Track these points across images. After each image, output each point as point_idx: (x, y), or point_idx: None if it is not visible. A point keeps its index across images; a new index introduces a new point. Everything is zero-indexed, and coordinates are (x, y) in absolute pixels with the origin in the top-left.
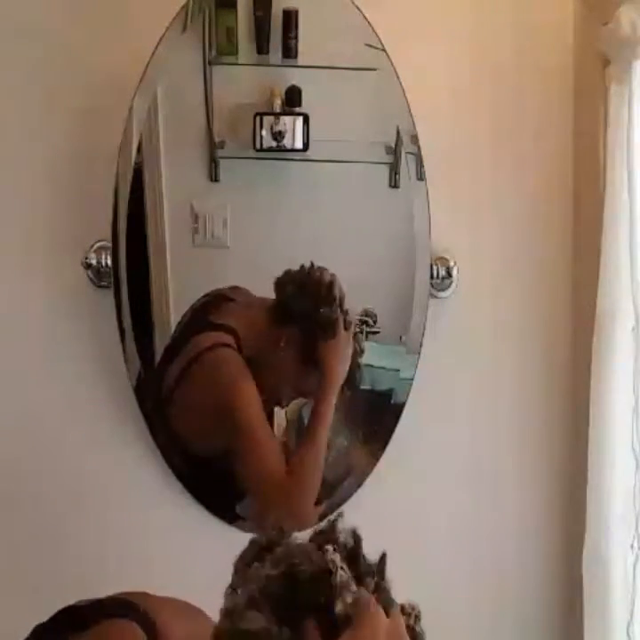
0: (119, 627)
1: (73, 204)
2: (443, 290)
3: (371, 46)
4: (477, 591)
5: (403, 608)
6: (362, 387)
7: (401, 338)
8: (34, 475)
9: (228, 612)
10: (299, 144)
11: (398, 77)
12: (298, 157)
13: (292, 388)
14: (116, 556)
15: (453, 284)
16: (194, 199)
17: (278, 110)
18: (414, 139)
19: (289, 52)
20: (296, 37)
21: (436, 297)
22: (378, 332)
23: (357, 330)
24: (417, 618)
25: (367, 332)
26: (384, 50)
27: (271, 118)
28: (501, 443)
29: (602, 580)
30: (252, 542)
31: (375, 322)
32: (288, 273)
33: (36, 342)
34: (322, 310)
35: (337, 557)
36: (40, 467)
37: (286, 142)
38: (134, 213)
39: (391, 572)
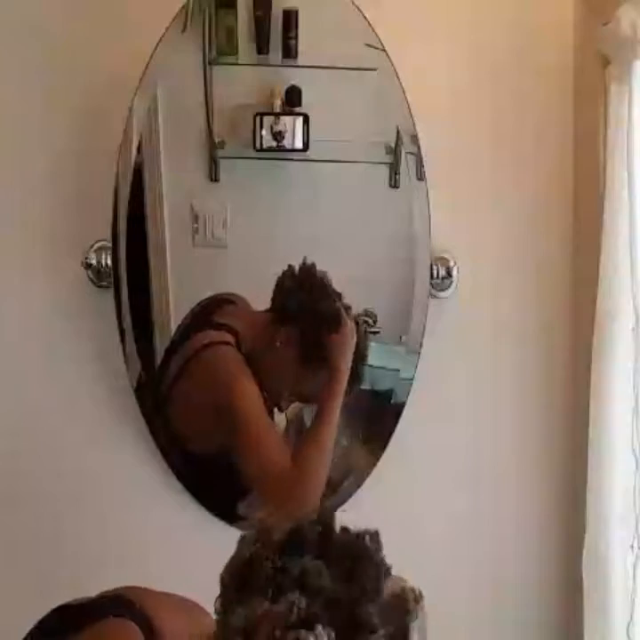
0: (116, 625)
1: (73, 204)
2: (443, 290)
3: (371, 46)
4: (477, 591)
5: (403, 590)
6: (362, 387)
7: (401, 338)
8: (34, 474)
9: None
10: (299, 144)
11: (398, 77)
12: (298, 157)
13: (290, 391)
14: (116, 556)
15: (453, 284)
16: (194, 199)
17: (278, 110)
18: (414, 139)
19: (289, 51)
20: (296, 37)
21: (436, 297)
22: (378, 332)
23: (361, 322)
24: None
25: (367, 332)
26: (384, 50)
27: (271, 118)
28: (501, 442)
29: (602, 580)
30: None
31: (375, 322)
32: (284, 273)
33: (36, 342)
34: (322, 302)
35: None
36: (40, 466)
37: (286, 142)
38: (134, 213)
39: (392, 571)
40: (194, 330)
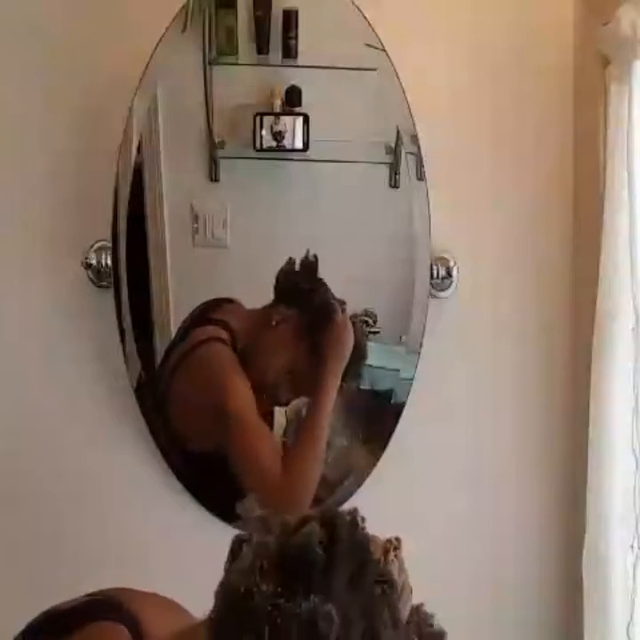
0: (105, 629)
1: (73, 204)
2: (443, 290)
3: (371, 46)
4: (477, 591)
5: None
6: (362, 387)
7: (401, 338)
8: (34, 474)
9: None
10: (299, 144)
11: (398, 77)
12: (298, 157)
13: (288, 370)
14: (116, 556)
15: (453, 284)
16: (194, 199)
17: (278, 110)
18: (414, 139)
19: (289, 51)
20: (296, 37)
21: (436, 297)
22: (378, 332)
23: (360, 321)
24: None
25: (367, 332)
26: (384, 50)
27: (271, 118)
28: (501, 442)
29: (602, 580)
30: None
31: (375, 322)
32: (286, 263)
33: (36, 342)
34: (317, 293)
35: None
36: (40, 466)
37: (286, 142)
38: (134, 213)
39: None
40: (192, 327)
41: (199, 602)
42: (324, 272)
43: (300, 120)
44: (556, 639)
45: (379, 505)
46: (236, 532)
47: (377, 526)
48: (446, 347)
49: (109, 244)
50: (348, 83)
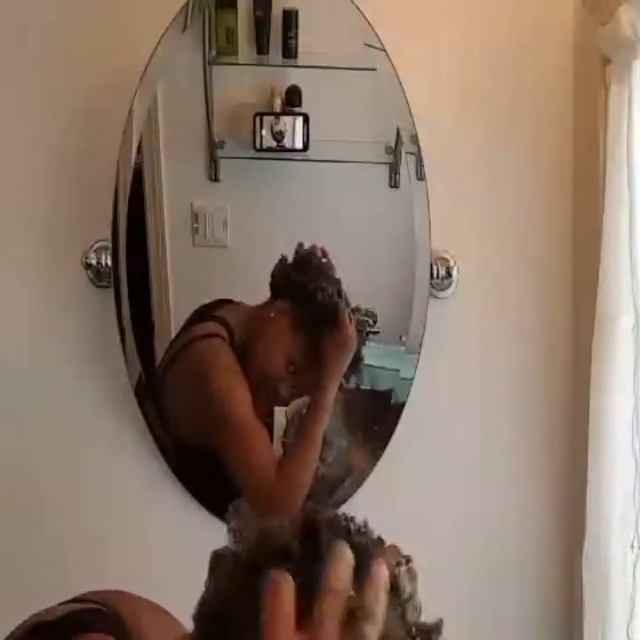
0: None
1: (73, 204)
2: (443, 290)
3: (371, 46)
4: (477, 591)
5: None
6: (362, 387)
7: (401, 338)
8: (33, 474)
9: None
10: (299, 144)
11: (398, 77)
12: (298, 157)
13: (287, 361)
14: (116, 556)
15: (453, 284)
16: (194, 199)
17: (278, 110)
18: (414, 139)
19: (289, 52)
20: (296, 37)
21: (436, 297)
22: (378, 332)
23: (358, 319)
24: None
25: (367, 332)
26: (384, 50)
27: (271, 118)
28: (501, 442)
29: (602, 580)
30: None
31: (375, 322)
32: (280, 260)
33: (36, 342)
34: (321, 291)
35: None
36: (40, 466)
37: (286, 142)
38: (134, 213)
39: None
40: (191, 323)
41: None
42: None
43: (300, 120)
44: (555, 639)
45: (379, 505)
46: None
47: (377, 526)
48: (446, 347)
49: (109, 244)
50: (348, 83)
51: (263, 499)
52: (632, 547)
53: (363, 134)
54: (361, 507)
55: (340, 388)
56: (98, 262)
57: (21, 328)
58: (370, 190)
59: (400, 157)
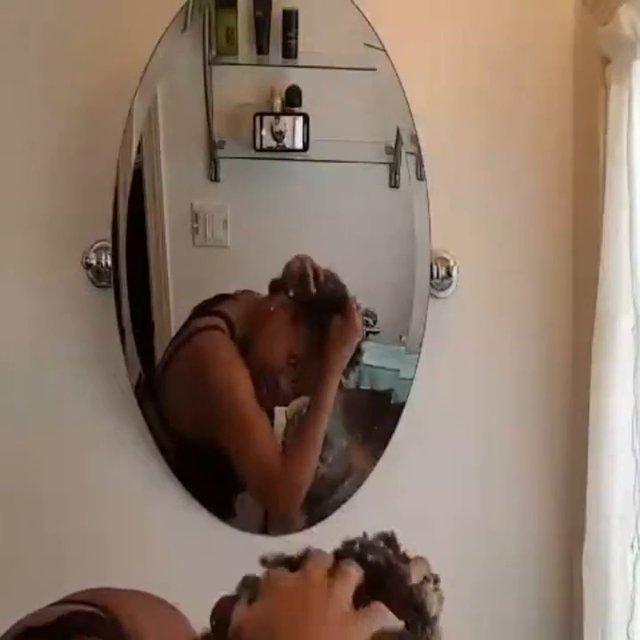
0: None
1: (73, 204)
2: (443, 290)
3: (371, 46)
4: (477, 591)
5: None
6: (362, 387)
7: (401, 338)
8: (33, 474)
9: None
10: (299, 144)
11: (398, 77)
12: (298, 157)
13: (289, 356)
14: (116, 556)
15: (453, 284)
16: (194, 199)
17: (278, 110)
18: (414, 139)
19: (289, 52)
20: (296, 37)
21: (436, 297)
22: (378, 332)
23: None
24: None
25: (367, 332)
26: (384, 50)
27: (271, 118)
28: (501, 442)
29: (602, 580)
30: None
31: (375, 322)
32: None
33: (36, 342)
34: (328, 286)
35: None
36: (40, 466)
37: (286, 142)
38: (134, 213)
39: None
40: (191, 318)
41: (199, 602)
42: None
43: (299, 120)
44: (555, 639)
45: (379, 505)
46: (236, 530)
47: (377, 526)
48: (446, 347)
49: (109, 244)
50: (348, 83)
51: (267, 488)
52: (632, 547)
53: (363, 134)
54: (361, 507)
55: (340, 387)
56: (98, 262)
57: (21, 328)
58: (370, 190)
59: (400, 157)
